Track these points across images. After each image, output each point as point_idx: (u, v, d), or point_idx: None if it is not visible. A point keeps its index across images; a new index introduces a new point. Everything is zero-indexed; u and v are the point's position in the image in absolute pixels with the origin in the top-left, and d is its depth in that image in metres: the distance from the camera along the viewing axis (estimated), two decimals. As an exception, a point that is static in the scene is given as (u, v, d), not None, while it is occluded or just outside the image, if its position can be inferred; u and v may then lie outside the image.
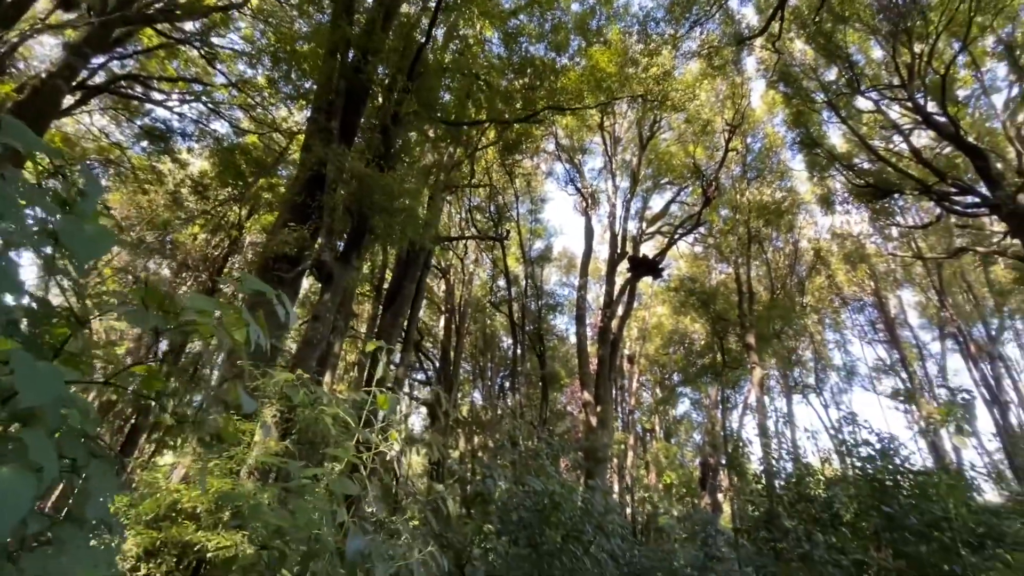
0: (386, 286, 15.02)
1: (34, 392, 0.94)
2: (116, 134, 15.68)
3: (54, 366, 1.06)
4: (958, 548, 3.66)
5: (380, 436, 2.30)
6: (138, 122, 15.21)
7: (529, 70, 12.39)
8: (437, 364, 22.46)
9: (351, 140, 7.96)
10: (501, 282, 23.76)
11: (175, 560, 4.04)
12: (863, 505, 5.48)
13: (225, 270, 16.85)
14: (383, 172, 7.43)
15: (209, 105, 15.18)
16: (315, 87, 9.61)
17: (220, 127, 16.01)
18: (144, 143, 15.48)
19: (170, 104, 14.82)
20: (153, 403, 1.54)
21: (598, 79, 13.28)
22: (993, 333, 20.67)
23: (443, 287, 24.73)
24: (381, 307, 13.28)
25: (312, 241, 6.59)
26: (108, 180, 15.48)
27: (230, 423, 4.99)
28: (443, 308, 24.80)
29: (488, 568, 5.67)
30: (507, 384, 27.45)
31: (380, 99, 9.78)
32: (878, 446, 5.70)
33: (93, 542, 1.32)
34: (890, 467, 5.17)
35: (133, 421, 16.01)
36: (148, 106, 15.18)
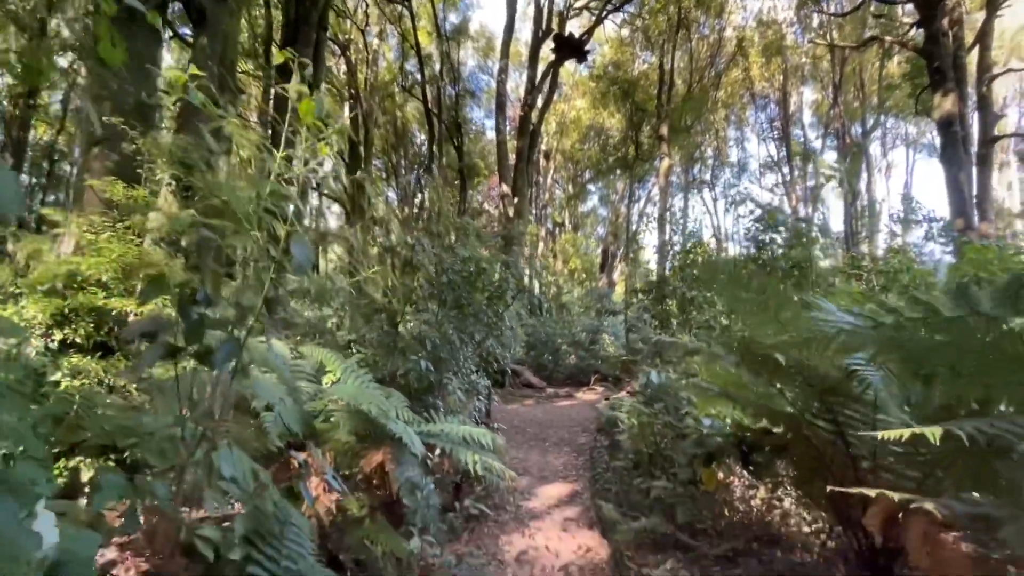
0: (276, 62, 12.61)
1: None
2: None
3: None
4: (814, 280, 4.64)
5: (306, 156, 2.06)
6: None
7: None
8: (345, 159, 20.87)
9: None
10: (412, 64, 21.03)
11: (92, 325, 3.88)
12: (741, 261, 6.49)
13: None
14: None
15: None
16: None
17: None
18: None
19: None
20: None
21: None
22: (868, 128, 22.89)
23: (344, 68, 21.54)
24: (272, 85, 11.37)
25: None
26: None
27: (115, 187, 4.37)
28: (346, 94, 22.04)
29: (420, 329, 6.19)
30: (423, 182, 26.73)
31: None
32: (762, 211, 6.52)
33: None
34: (771, 223, 6.03)
35: None
36: None
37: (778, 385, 1.97)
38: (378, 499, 3.58)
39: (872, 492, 1.43)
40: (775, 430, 2.37)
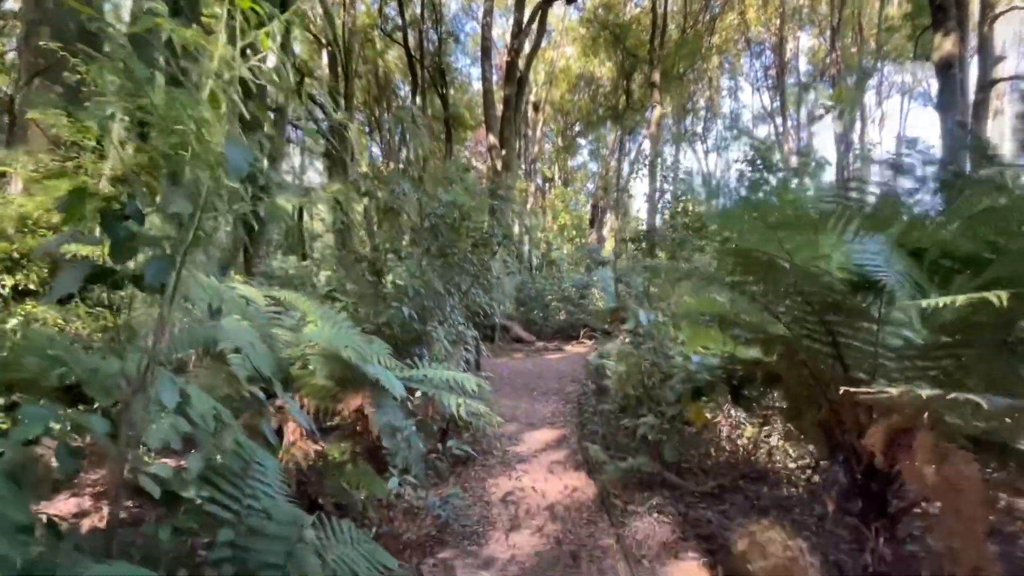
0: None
1: None
2: None
3: None
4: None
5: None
6: None
7: None
8: (325, 113, 19.98)
9: None
10: (392, 8, 19.84)
11: (47, 270, 3.64)
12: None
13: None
14: None
15: None
16: None
17: None
18: None
19: None
20: None
21: None
22: (865, 71, 22.31)
23: (319, 11, 20.24)
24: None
25: None
26: None
27: (60, 122, 4.01)
28: (323, 41, 20.84)
29: (403, 277, 5.99)
30: (407, 136, 25.81)
31: None
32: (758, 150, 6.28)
33: None
34: (766, 160, 5.82)
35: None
36: None
37: (773, 306, 1.84)
38: (361, 444, 3.50)
39: (894, 390, 1.31)
40: (767, 360, 2.27)
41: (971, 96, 14.08)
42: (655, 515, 3.20)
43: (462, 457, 4.47)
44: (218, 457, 1.84)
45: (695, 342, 2.93)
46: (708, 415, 3.21)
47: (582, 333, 15.56)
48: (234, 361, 2.69)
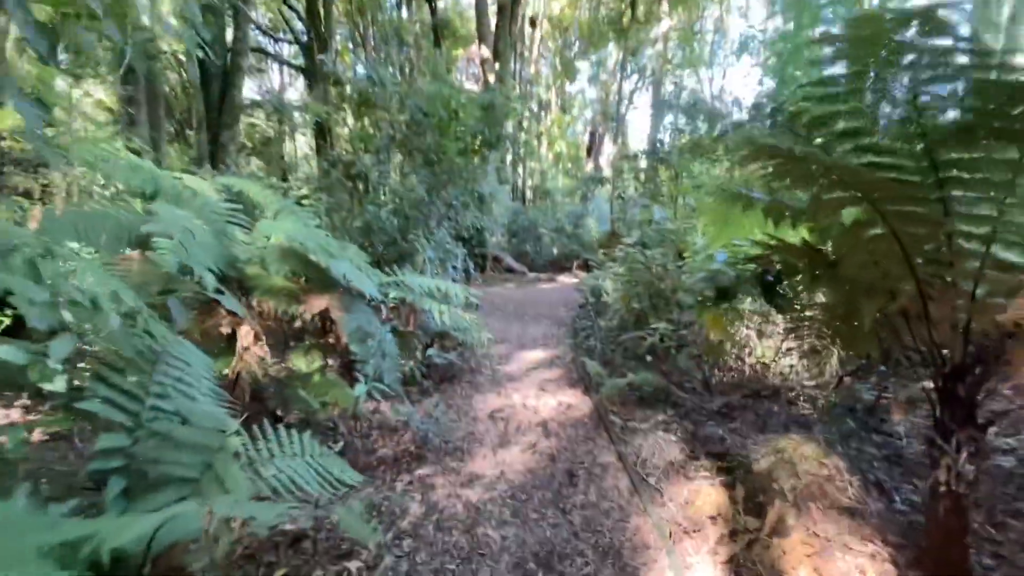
0: None
1: None
2: None
3: None
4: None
5: None
6: None
7: None
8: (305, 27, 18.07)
9: None
10: None
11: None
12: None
13: None
14: None
15: None
16: None
17: None
18: None
19: None
20: None
21: None
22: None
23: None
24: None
25: None
26: None
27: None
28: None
29: (381, 178, 5.38)
30: (393, 53, 23.78)
31: None
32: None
33: None
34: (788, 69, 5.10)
35: None
36: None
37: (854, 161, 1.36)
38: (331, 354, 3.09)
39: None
40: (817, 248, 1.82)
41: None
42: (660, 432, 2.89)
43: (447, 373, 4.13)
44: (106, 346, 1.38)
45: (722, 237, 2.47)
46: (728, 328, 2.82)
47: (575, 265, 15.22)
48: (159, 248, 2.18)
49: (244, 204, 3.40)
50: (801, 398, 3.14)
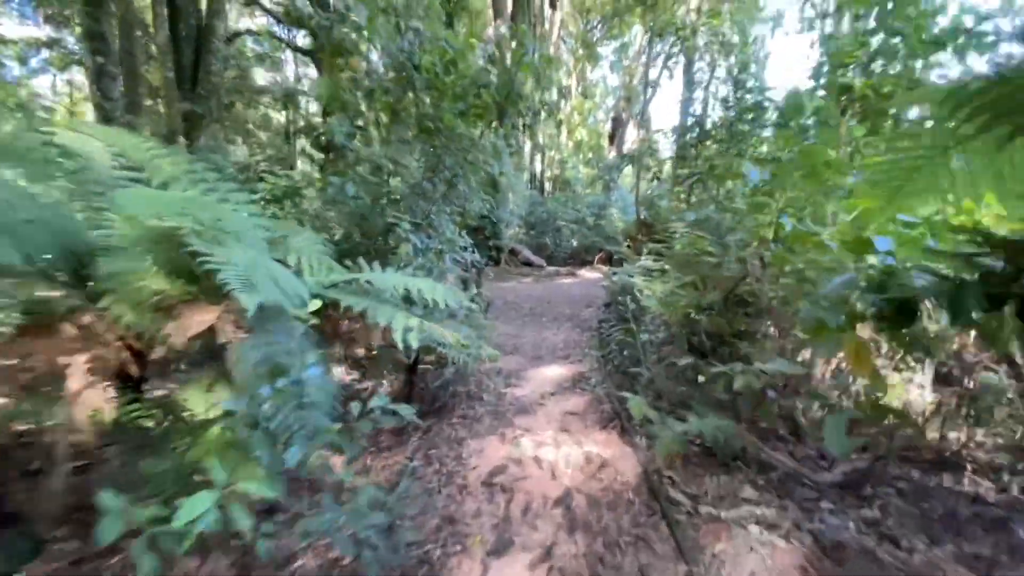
0: None
1: None
2: None
3: None
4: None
5: None
6: None
7: None
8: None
9: None
10: None
11: None
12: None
13: None
14: None
15: None
16: None
17: None
18: None
19: None
20: None
21: None
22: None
23: None
24: None
25: None
26: None
27: None
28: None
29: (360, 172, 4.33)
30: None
31: None
32: None
33: None
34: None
35: None
36: None
37: None
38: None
39: None
40: None
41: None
42: (754, 527, 1.79)
43: (437, 400, 3.07)
44: None
45: (885, 213, 1.36)
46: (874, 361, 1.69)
47: (597, 258, 14.14)
48: None
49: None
50: (979, 471, 1.98)
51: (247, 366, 1.62)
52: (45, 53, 15.06)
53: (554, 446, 2.59)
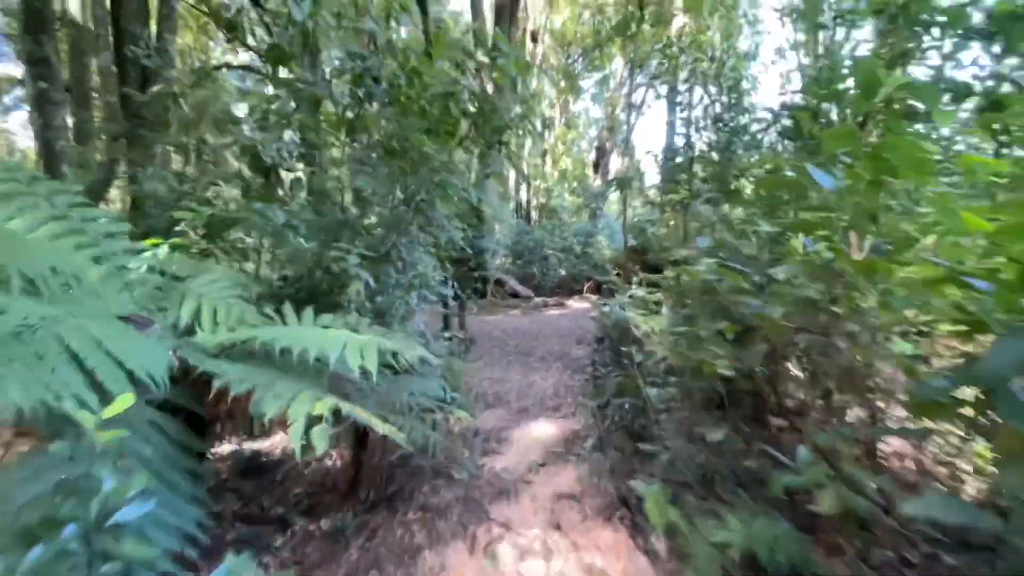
0: None
1: None
2: None
3: None
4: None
5: None
6: None
7: None
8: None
9: None
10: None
11: None
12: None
13: None
14: None
15: None
16: None
17: None
18: None
19: None
20: None
21: None
22: None
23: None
24: None
25: None
26: None
27: None
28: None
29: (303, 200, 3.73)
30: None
31: None
32: None
33: None
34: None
35: None
36: None
37: None
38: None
39: None
40: None
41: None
42: None
43: (392, 481, 2.38)
44: None
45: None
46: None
47: (586, 288, 13.66)
48: None
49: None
50: None
51: (7, 516, 0.94)
52: (19, 91, 14.57)
53: (543, 555, 1.90)
